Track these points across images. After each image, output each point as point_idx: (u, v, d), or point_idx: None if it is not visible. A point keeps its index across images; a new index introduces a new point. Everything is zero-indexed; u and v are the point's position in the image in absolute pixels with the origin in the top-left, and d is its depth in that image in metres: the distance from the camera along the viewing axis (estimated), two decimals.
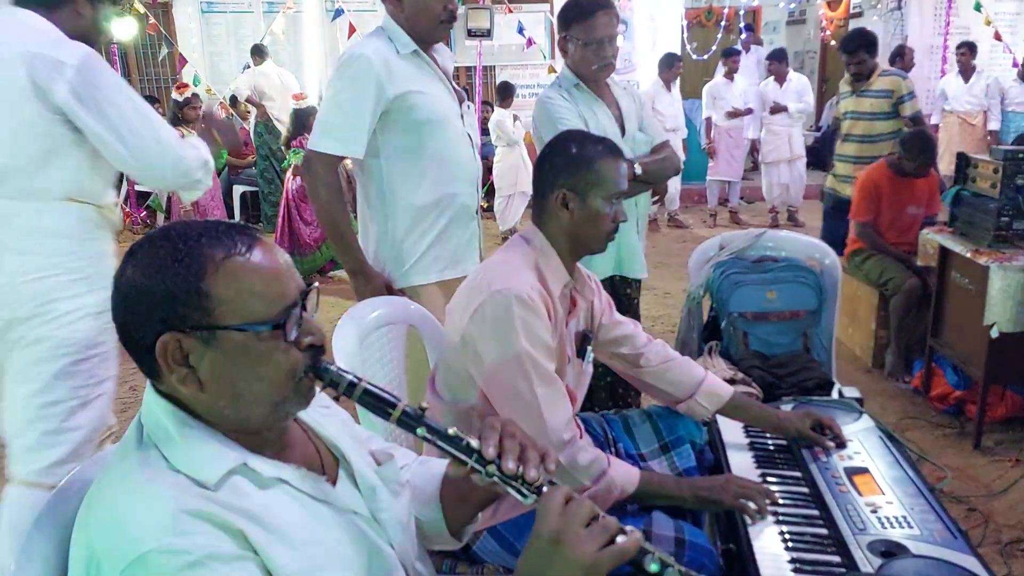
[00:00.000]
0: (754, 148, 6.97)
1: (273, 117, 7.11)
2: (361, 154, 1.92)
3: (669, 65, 6.44)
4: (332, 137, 1.91)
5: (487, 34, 6.60)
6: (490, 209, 7.07)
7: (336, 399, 0.91)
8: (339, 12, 6.87)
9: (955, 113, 6.59)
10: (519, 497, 0.86)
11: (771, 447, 1.66)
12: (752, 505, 1.37)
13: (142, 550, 0.74)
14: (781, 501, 1.42)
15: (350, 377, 0.88)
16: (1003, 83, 6.58)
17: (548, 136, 2.18)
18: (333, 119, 1.92)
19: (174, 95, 5.11)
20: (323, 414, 1.02)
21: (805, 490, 1.47)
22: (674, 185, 6.67)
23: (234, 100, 7.46)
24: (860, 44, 4.04)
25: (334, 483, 0.94)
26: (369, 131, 1.91)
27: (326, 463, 0.96)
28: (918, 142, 3.50)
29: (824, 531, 1.33)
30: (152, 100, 7.74)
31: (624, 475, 1.42)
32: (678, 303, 4.40)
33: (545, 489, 0.86)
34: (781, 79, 6.45)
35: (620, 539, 0.82)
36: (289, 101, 7.32)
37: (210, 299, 0.81)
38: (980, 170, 2.90)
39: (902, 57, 6.53)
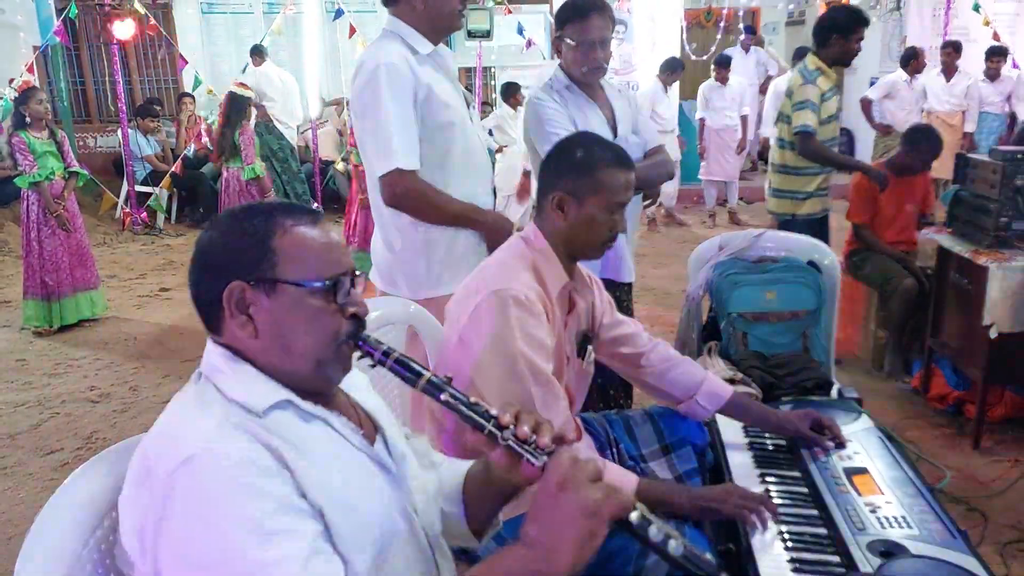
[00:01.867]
0: (765, 147, 6.91)
1: (274, 117, 7.11)
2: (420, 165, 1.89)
3: (672, 70, 6.45)
4: (406, 153, 1.85)
5: (487, 35, 6.59)
6: None
7: (372, 366, 0.98)
8: (339, 12, 6.88)
9: (934, 113, 6.53)
10: (531, 458, 0.90)
11: (770, 447, 1.66)
12: (753, 517, 1.35)
13: (188, 452, 0.82)
14: (781, 501, 1.42)
15: (385, 347, 0.97)
16: (981, 85, 6.53)
17: (537, 137, 2.19)
18: (397, 135, 1.84)
19: (237, 90, 5.29)
20: (365, 395, 1.09)
21: (804, 490, 1.47)
22: (672, 184, 6.73)
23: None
24: None
25: (372, 444, 1.00)
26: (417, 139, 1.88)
27: (365, 428, 1.02)
28: (926, 134, 3.49)
29: (823, 531, 1.33)
30: (155, 102, 7.73)
31: (620, 482, 1.40)
32: (677, 303, 4.39)
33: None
34: None
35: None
36: (291, 101, 7.34)
37: (276, 255, 0.92)
38: (979, 171, 2.90)
39: (916, 58, 6.48)
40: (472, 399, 0.94)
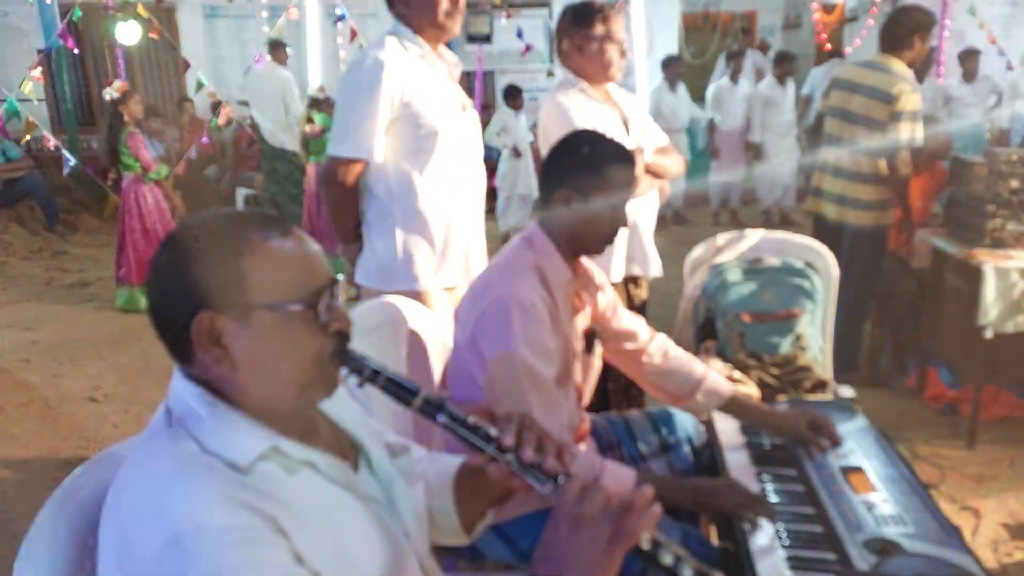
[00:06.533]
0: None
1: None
2: (376, 158, 1.92)
3: (665, 66, 6.65)
4: (347, 140, 1.90)
5: (487, 39, 6.63)
6: (491, 210, 7.10)
7: (360, 385, 0.91)
8: (341, 17, 6.90)
9: None
10: (536, 484, 0.88)
11: (767, 446, 1.67)
12: (750, 514, 1.36)
13: (178, 531, 0.73)
14: (777, 499, 1.43)
15: (373, 364, 0.90)
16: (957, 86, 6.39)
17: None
18: (346, 124, 1.90)
19: (315, 93, 5.79)
20: (340, 405, 1.04)
21: (801, 488, 1.47)
22: (678, 184, 6.79)
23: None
24: None
25: (355, 471, 0.96)
26: (380, 135, 1.90)
27: (346, 452, 0.98)
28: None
29: (820, 529, 1.33)
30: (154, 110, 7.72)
31: (618, 481, 1.41)
32: (674, 304, 4.41)
33: (561, 480, 0.89)
34: None
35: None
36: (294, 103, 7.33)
37: (246, 279, 0.83)
38: (974, 172, 2.93)
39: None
40: (471, 419, 0.90)
